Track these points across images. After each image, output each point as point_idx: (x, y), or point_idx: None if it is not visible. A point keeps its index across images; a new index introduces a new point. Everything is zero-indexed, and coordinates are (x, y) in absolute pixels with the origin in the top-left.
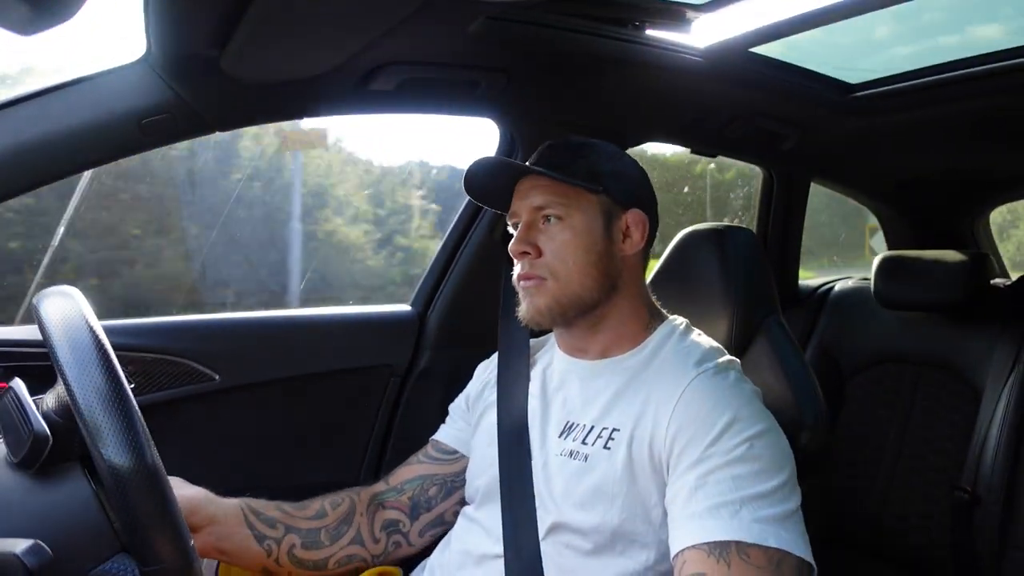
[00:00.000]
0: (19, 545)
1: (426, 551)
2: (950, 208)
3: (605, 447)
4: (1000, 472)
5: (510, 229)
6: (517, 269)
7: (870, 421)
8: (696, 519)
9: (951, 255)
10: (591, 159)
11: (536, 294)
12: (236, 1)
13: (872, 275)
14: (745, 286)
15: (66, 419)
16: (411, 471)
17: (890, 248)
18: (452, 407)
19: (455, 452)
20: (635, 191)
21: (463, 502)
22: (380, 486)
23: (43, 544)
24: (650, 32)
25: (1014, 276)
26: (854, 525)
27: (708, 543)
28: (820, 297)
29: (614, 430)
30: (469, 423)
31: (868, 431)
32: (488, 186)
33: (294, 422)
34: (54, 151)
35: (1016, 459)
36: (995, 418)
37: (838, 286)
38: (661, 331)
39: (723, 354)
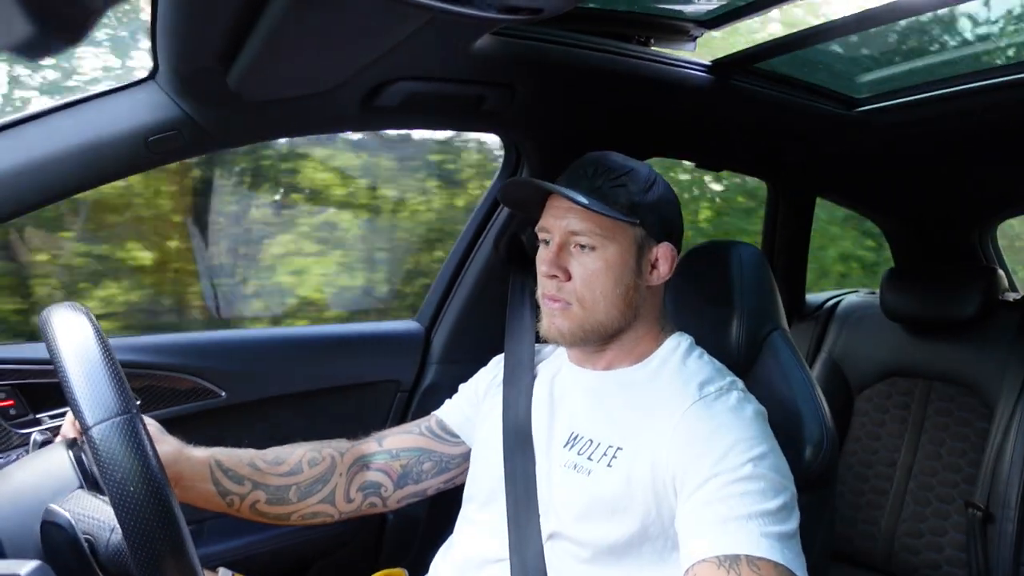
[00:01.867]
0: (24, 567)
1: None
2: (956, 221)
3: (609, 465)
4: (1014, 488)
5: (539, 241)
6: (542, 286)
7: (881, 436)
8: (705, 534)
9: (959, 269)
10: (631, 188)
11: (560, 317)
12: (243, 19)
13: (879, 288)
14: (751, 301)
15: (123, 570)
16: (411, 440)
17: (896, 262)
18: (463, 386)
19: (457, 437)
20: (669, 224)
21: (449, 482)
22: (371, 446)
23: (48, 567)
24: (655, 48)
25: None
26: (866, 541)
27: (719, 556)
28: (828, 311)
29: (618, 448)
30: (476, 411)
31: (879, 446)
32: (524, 197)
33: (301, 438)
34: (62, 169)
35: None
36: (1009, 434)
37: (846, 300)
38: (667, 346)
39: (725, 375)
